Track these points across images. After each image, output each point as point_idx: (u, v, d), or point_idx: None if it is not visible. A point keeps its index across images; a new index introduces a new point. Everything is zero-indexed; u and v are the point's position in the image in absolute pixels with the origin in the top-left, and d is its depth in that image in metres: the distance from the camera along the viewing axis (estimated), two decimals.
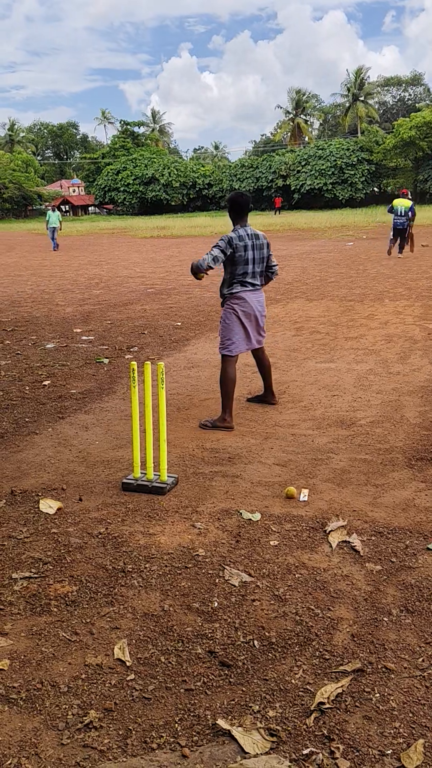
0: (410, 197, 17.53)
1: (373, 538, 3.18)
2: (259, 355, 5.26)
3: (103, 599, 2.72)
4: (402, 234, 16.77)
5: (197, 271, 4.75)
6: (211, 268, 4.74)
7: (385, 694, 2.15)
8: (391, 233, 17.01)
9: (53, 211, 25.79)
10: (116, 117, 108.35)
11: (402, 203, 16.48)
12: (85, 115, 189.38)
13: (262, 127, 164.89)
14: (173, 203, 61.52)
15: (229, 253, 4.76)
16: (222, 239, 4.78)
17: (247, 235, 4.84)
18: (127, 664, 2.32)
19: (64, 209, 58.32)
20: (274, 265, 5.08)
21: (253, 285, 4.97)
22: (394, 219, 16.59)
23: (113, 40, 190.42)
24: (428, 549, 3.05)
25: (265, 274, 5.07)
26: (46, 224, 25.64)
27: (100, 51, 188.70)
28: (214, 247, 4.75)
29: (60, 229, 26.02)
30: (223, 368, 4.94)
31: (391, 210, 16.70)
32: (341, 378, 6.12)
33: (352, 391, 5.67)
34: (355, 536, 3.19)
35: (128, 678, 2.25)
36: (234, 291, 4.93)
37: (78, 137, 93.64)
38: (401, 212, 16.39)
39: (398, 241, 17.03)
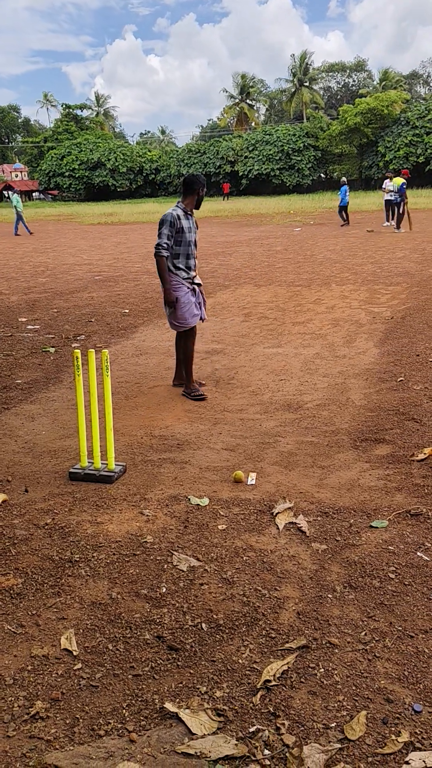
0: (403, 177, 20.39)
1: (318, 518, 3.24)
2: None
3: (50, 590, 2.69)
4: (395, 208, 19.93)
5: None
6: None
7: (329, 668, 2.20)
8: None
9: (17, 194, 25.35)
10: (60, 100, 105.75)
11: (396, 182, 19.70)
12: (27, 98, 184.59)
13: (210, 111, 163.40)
14: (120, 189, 60.63)
15: None
16: None
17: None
18: (74, 653, 2.30)
19: (6, 195, 56.50)
20: None
21: None
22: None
23: (55, 21, 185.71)
24: (371, 527, 3.13)
25: None
26: (15, 209, 25.05)
27: (41, 32, 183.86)
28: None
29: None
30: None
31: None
32: (289, 362, 6.18)
33: (299, 375, 5.75)
34: (301, 517, 3.24)
35: (75, 667, 2.24)
36: None
37: (20, 121, 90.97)
38: (395, 189, 19.68)
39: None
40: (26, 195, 68.89)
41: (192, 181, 5.05)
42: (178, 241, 4.98)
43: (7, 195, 58.52)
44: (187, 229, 4.99)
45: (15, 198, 25.07)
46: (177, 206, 5.06)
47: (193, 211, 5.17)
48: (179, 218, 4.94)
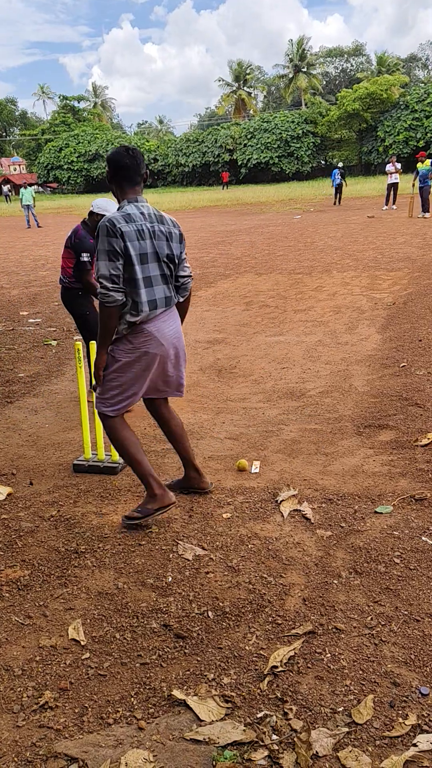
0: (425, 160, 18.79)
1: (323, 505, 3.25)
2: (163, 412, 3.33)
3: (56, 581, 2.70)
4: (422, 194, 18.67)
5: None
6: (116, 302, 2.82)
7: (336, 653, 2.21)
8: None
9: (26, 188, 25.48)
10: (57, 92, 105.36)
11: (426, 164, 18.34)
12: (24, 91, 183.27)
13: (208, 100, 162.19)
14: None
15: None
16: (100, 235, 2.79)
17: (142, 214, 2.91)
18: (82, 643, 2.32)
19: (5, 189, 56.42)
20: (186, 276, 3.12)
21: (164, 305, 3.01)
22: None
23: (50, 11, 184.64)
24: (376, 512, 3.13)
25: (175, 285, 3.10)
26: (20, 202, 25.49)
27: (37, 23, 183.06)
28: (99, 261, 2.79)
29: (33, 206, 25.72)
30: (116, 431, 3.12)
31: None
32: (291, 350, 6.17)
33: (301, 363, 5.73)
34: (306, 504, 3.24)
35: (83, 657, 2.25)
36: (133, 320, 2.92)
37: (17, 114, 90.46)
38: (424, 173, 18.40)
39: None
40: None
41: (131, 163, 2.93)
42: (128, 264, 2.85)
43: (8, 190, 58.42)
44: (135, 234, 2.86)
45: (21, 191, 25.43)
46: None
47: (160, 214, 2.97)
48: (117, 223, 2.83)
